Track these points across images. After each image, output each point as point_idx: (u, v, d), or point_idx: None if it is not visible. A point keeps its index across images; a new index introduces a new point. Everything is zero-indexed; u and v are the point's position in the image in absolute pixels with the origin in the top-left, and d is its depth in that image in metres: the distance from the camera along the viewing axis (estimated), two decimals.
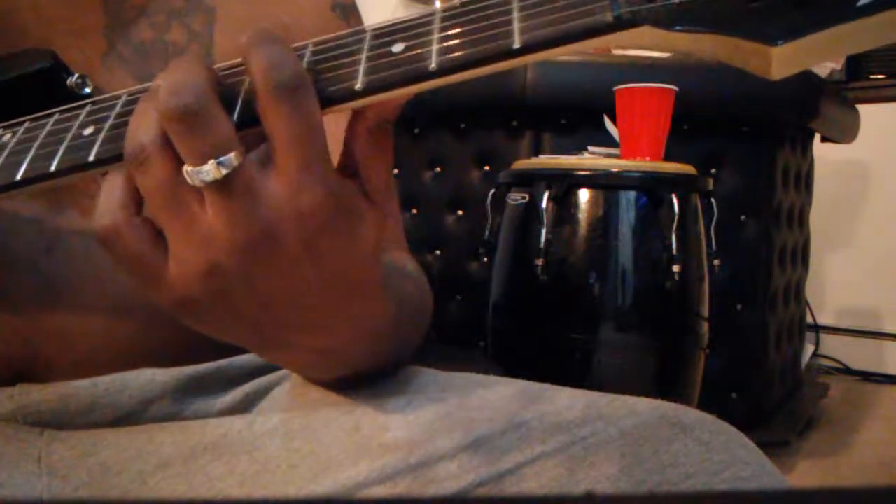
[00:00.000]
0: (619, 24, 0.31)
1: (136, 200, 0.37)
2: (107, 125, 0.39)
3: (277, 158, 0.35)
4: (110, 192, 0.37)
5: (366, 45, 0.36)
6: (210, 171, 0.34)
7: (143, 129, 0.35)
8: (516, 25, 0.33)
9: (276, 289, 0.37)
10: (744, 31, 0.29)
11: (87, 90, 0.49)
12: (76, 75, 0.49)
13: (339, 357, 0.45)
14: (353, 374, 0.49)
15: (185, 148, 0.34)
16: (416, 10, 0.36)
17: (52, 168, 0.39)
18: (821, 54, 0.30)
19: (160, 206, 0.35)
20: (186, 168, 0.34)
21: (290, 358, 0.45)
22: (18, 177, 0.40)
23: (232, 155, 0.34)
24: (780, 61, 0.29)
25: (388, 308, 0.43)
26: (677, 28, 0.30)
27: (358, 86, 0.35)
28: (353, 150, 0.37)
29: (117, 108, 0.40)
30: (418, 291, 0.54)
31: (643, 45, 0.32)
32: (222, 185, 0.34)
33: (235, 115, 0.36)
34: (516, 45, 0.33)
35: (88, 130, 0.40)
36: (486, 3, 0.34)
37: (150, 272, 0.37)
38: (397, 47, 0.35)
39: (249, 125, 0.35)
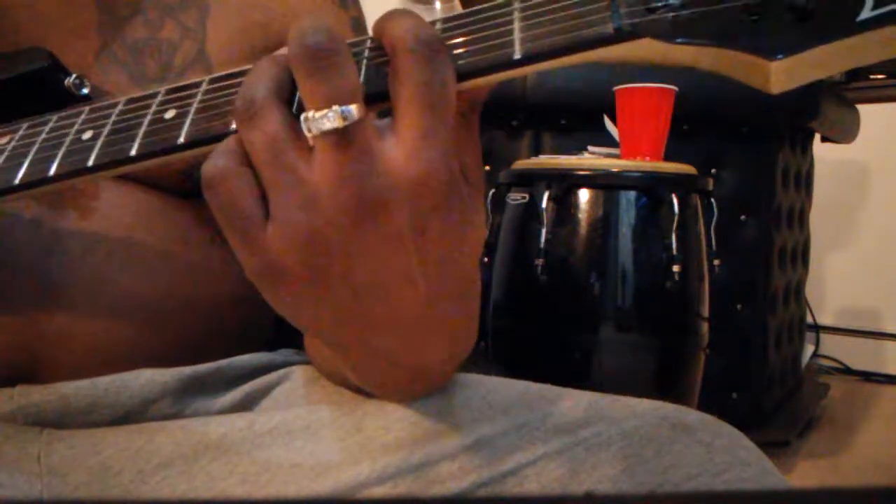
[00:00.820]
0: (620, 36, 0.31)
1: (246, 156, 0.34)
2: (105, 130, 0.39)
3: (399, 122, 0.33)
4: (225, 142, 0.35)
5: (365, 55, 0.35)
6: (332, 117, 0.32)
7: (256, 83, 0.34)
8: (517, 36, 0.33)
9: (375, 272, 0.35)
10: (744, 44, 0.30)
11: (85, 91, 0.49)
12: (73, 75, 0.49)
13: (424, 377, 0.43)
14: (422, 390, 0.46)
15: (311, 89, 0.32)
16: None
17: (51, 172, 0.39)
18: (820, 69, 0.30)
19: (266, 163, 0.33)
20: (306, 114, 0.33)
21: (371, 366, 0.42)
22: (17, 181, 0.40)
23: (354, 106, 0.32)
24: (779, 75, 0.29)
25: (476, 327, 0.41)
26: (678, 41, 0.31)
27: None
28: None
29: (115, 114, 0.40)
30: None
31: (643, 57, 0.32)
32: (338, 138, 0.32)
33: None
34: (517, 56, 0.33)
35: (87, 135, 0.40)
36: (486, 14, 0.34)
37: (246, 229, 0.34)
38: None
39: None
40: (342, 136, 0.32)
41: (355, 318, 0.36)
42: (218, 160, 0.34)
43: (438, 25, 0.35)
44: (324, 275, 0.34)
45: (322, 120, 0.32)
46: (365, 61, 0.35)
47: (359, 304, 0.36)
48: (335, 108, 0.32)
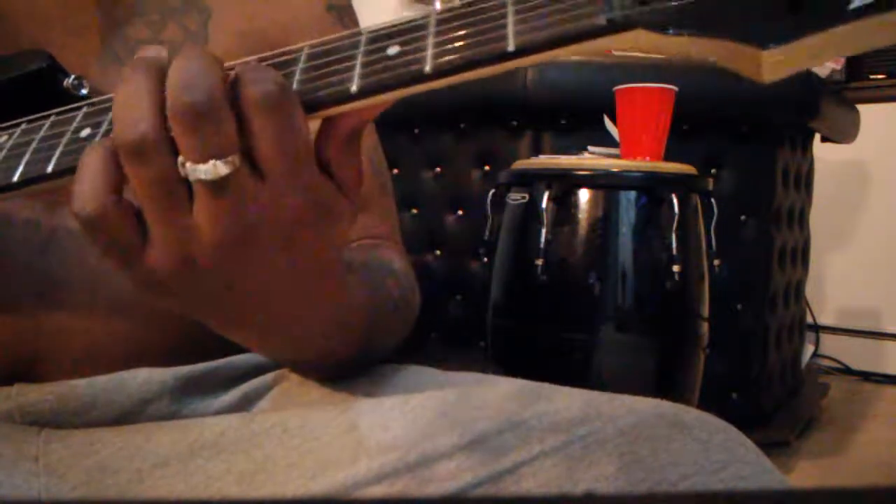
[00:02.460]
0: (612, 28, 0.31)
1: (119, 184, 0.36)
2: (103, 128, 0.40)
3: (263, 164, 0.35)
4: (93, 176, 0.36)
5: (361, 48, 0.36)
6: (210, 170, 0.34)
7: (143, 118, 0.34)
8: (511, 29, 0.33)
9: (248, 280, 0.38)
10: (735, 34, 0.30)
11: (84, 91, 0.49)
12: (73, 77, 0.48)
13: (304, 341, 0.46)
14: (326, 361, 0.50)
15: (189, 145, 0.34)
16: (416, 12, 0.36)
17: (50, 169, 0.39)
18: (812, 57, 0.30)
19: (150, 197, 0.35)
20: (186, 164, 0.34)
21: (257, 341, 0.46)
22: (16, 178, 0.40)
23: (233, 157, 0.34)
24: (771, 64, 0.29)
25: (355, 297, 0.46)
26: (670, 31, 0.31)
27: (353, 88, 0.35)
28: (329, 150, 0.37)
29: (112, 111, 0.40)
30: (400, 288, 0.54)
31: (636, 48, 0.32)
32: (217, 185, 0.34)
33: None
34: (510, 48, 0.33)
35: (85, 132, 0.40)
36: (481, 7, 0.34)
37: (127, 257, 0.37)
38: (392, 50, 0.35)
39: None
40: (219, 185, 0.34)
41: (236, 309, 0.40)
42: (93, 202, 0.35)
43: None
44: (199, 286, 0.37)
45: (201, 171, 0.34)
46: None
47: (236, 299, 0.39)
48: (211, 162, 0.34)
